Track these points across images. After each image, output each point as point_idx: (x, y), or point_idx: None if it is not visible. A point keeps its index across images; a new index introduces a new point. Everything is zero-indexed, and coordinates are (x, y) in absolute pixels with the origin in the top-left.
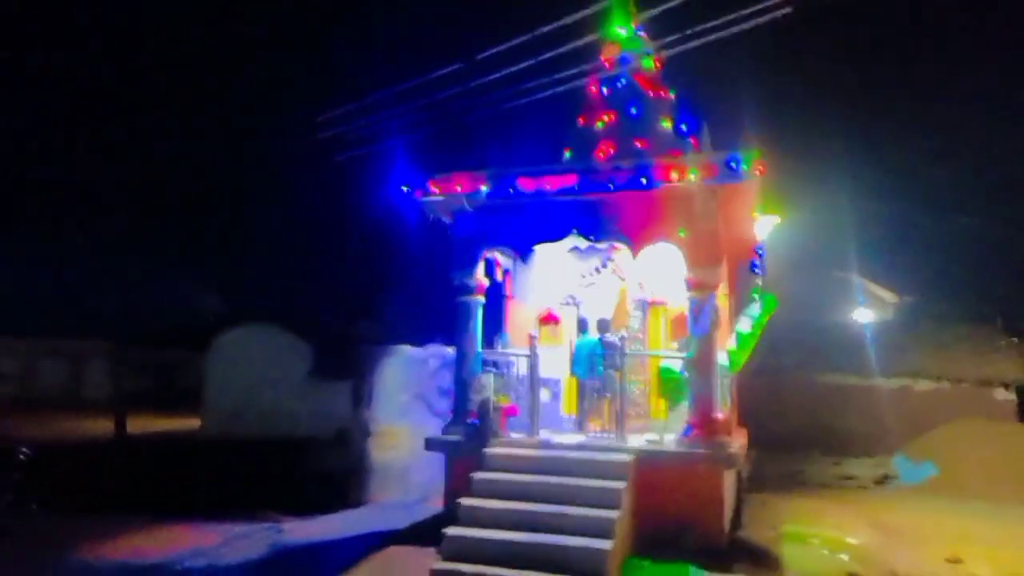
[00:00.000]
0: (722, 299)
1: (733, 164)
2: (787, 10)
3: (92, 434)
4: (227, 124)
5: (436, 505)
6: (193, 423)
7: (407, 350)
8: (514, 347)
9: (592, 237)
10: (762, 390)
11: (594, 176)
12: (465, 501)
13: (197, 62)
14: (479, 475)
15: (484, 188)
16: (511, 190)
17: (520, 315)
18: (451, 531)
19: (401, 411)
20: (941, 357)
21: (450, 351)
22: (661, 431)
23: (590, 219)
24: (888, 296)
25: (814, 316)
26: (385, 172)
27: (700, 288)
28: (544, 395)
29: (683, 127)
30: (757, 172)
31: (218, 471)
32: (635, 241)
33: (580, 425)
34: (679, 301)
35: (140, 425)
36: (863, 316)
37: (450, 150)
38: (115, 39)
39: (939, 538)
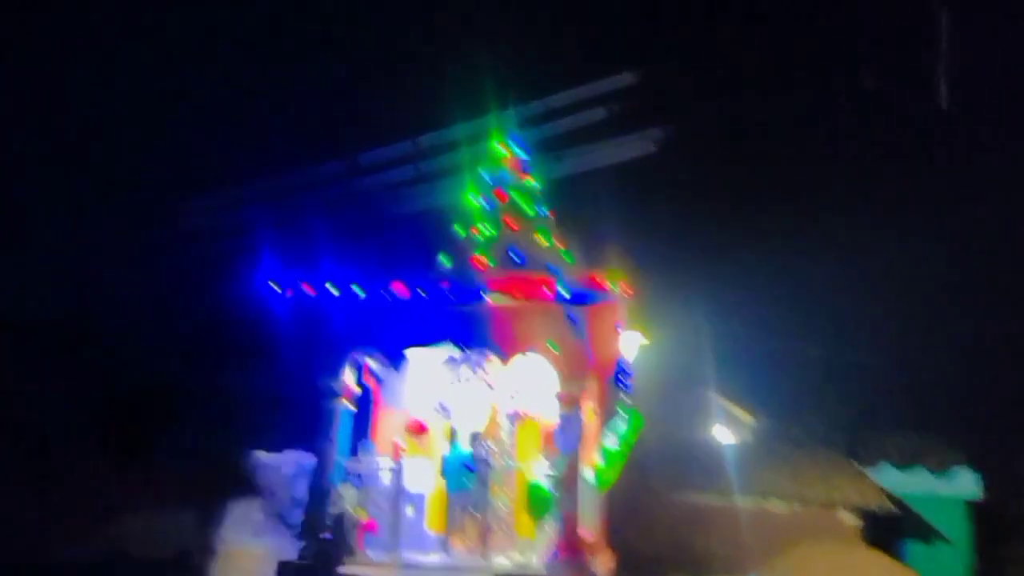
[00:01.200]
0: (590, 415)
1: (601, 282)
2: (650, 150)
3: None
4: (65, 197)
5: None
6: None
7: (261, 456)
8: (379, 457)
9: (464, 344)
10: (627, 509)
11: (467, 286)
12: None
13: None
14: None
15: (357, 290)
16: (384, 293)
17: (388, 424)
18: None
19: (252, 528)
20: (793, 479)
21: (307, 459)
22: (528, 550)
23: (462, 326)
24: (744, 417)
25: (676, 434)
26: (246, 263)
27: (569, 402)
28: (408, 510)
29: (555, 244)
30: (623, 292)
31: None
32: (506, 350)
33: (444, 543)
34: (548, 415)
35: None
36: (721, 435)
37: (322, 248)
38: None
39: None
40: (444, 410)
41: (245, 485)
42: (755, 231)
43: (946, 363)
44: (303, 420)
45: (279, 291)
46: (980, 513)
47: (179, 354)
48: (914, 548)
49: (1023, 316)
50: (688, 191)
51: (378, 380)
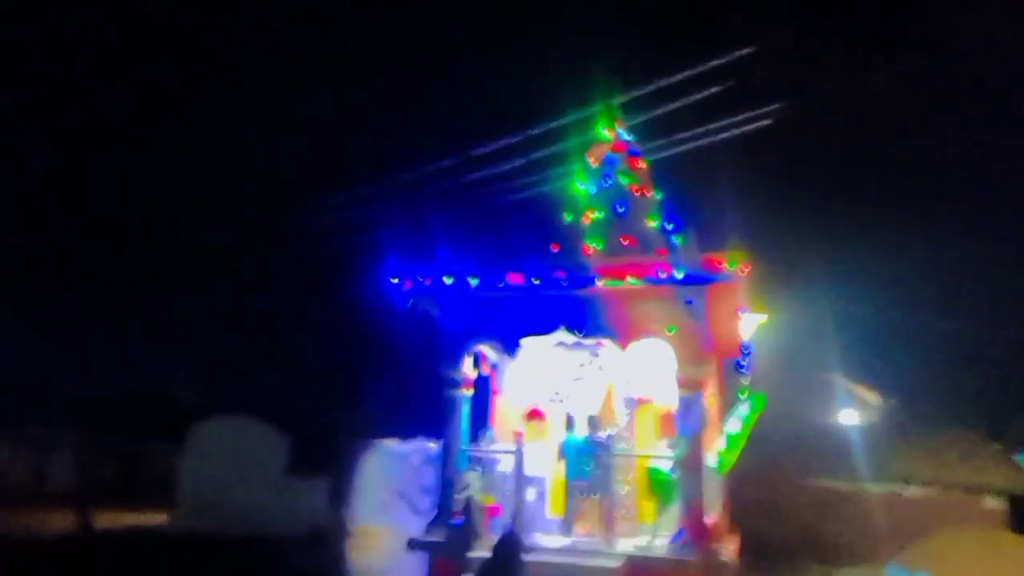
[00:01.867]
0: (710, 399)
1: (721, 264)
2: (767, 122)
3: (55, 529)
4: (201, 202)
5: None
6: (160, 517)
7: (389, 445)
8: (499, 443)
9: (580, 332)
10: (750, 494)
11: (583, 273)
12: None
13: (170, 134)
14: None
15: (474, 281)
16: (500, 284)
17: (505, 411)
18: None
19: (381, 509)
20: (930, 462)
21: (434, 446)
22: (651, 534)
23: (578, 314)
24: (872, 398)
25: (800, 417)
26: (370, 259)
27: (689, 386)
28: (529, 494)
29: (668, 226)
30: (743, 272)
31: (188, 570)
32: (622, 336)
33: (567, 526)
34: (667, 399)
35: (105, 519)
36: (848, 418)
37: (437, 241)
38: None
39: None
40: (560, 396)
41: (374, 469)
42: (879, 206)
43: None
44: (427, 409)
45: (400, 285)
46: None
47: (312, 349)
48: None
49: None
50: (807, 167)
51: (494, 368)
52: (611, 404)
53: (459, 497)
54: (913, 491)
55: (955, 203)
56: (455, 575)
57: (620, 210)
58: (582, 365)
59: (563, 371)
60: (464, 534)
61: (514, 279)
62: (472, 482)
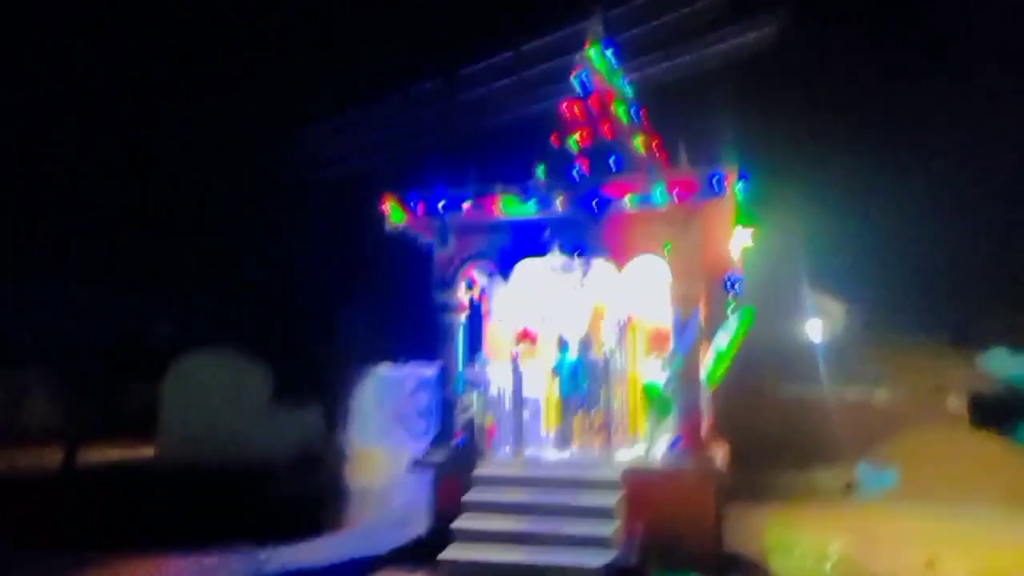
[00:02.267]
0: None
1: (715, 180)
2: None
3: (40, 466)
4: (177, 136)
5: (418, 528)
6: (147, 452)
7: (383, 370)
8: (492, 366)
9: (576, 253)
10: (730, 404)
11: (577, 194)
12: (459, 522)
13: (152, 72)
14: (470, 495)
15: (466, 206)
16: (493, 208)
17: (497, 334)
18: (447, 554)
19: (378, 433)
20: (896, 367)
21: (428, 371)
22: (647, 446)
23: (573, 236)
24: (838, 309)
25: (773, 330)
26: (359, 187)
27: (683, 302)
28: (524, 413)
29: (654, 146)
30: (737, 188)
31: (180, 501)
32: (619, 256)
33: (563, 442)
34: (656, 317)
35: (91, 455)
36: (814, 329)
37: (423, 169)
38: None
39: (913, 541)
40: (552, 317)
41: (369, 394)
42: (853, 123)
43: None
44: (419, 336)
45: (392, 211)
46: None
47: (307, 278)
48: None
49: None
50: (790, 85)
51: (484, 292)
52: (598, 323)
53: (460, 417)
54: (881, 394)
55: (937, 120)
56: (458, 492)
57: (606, 131)
58: (574, 286)
59: (553, 293)
60: (467, 453)
61: (508, 203)
62: (474, 404)
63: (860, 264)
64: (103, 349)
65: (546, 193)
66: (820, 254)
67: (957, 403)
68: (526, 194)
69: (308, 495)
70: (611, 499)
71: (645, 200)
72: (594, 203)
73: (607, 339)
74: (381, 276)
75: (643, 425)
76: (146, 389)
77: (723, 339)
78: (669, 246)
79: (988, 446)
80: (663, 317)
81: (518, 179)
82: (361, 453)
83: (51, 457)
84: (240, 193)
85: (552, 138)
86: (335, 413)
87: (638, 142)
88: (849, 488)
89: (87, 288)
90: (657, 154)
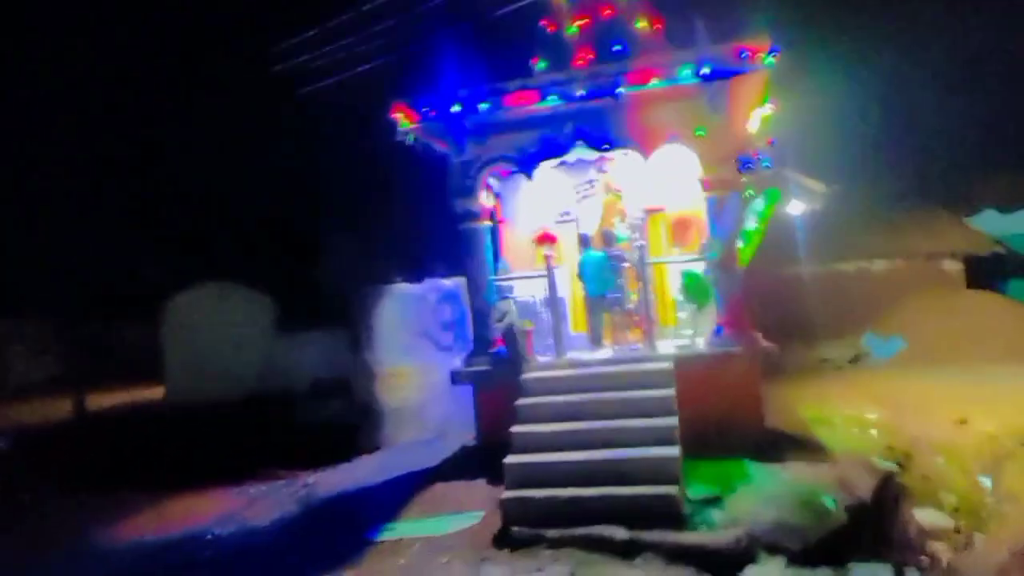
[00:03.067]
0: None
1: (744, 55)
2: None
3: (52, 416)
4: (158, 57)
5: (459, 440)
6: (152, 393)
7: (403, 288)
8: (514, 272)
9: (603, 146)
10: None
11: (599, 80)
12: (516, 428)
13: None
14: (523, 401)
15: (483, 106)
16: (512, 106)
17: (515, 239)
18: (511, 460)
19: (405, 350)
20: (892, 236)
21: (448, 284)
22: (692, 334)
23: (596, 127)
24: (817, 186)
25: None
26: (362, 97)
27: (718, 187)
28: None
29: (656, 27)
30: (771, 61)
31: (206, 437)
32: (646, 145)
33: (595, 342)
34: (678, 206)
35: (97, 401)
36: (795, 208)
37: (420, 74)
38: None
39: (937, 404)
40: (569, 217)
41: (390, 312)
42: None
43: None
44: (437, 249)
45: (403, 120)
46: None
47: (310, 200)
48: (1019, 282)
49: None
50: None
51: (498, 197)
52: (610, 218)
53: (498, 325)
54: (879, 265)
55: None
56: (504, 400)
57: (607, 14)
58: (589, 183)
59: (568, 191)
60: (511, 360)
61: (527, 98)
62: (511, 309)
63: (842, 138)
64: (90, 292)
65: (567, 84)
66: (795, 134)
67: (953, 266)
68: (546, 88)
69: (339, 419)
70: (667, 391)
71: (673, 81)
72: (620, 89)
73: (631, 231)
74: (389, 193)
75: (673, 317)
76: (141, 330)
77: (751, 221)
78: (702, 130)
79: (986, 305)
80: (685, 205)
81: (518, 73)
82: (390, 372)
83: (56, 407)
84: (228, 114)
85: (548, 26)
86: (358, 335)
87: (639, 25)
88: (858, 359)
89: (70, 230)
90: (656, 37)
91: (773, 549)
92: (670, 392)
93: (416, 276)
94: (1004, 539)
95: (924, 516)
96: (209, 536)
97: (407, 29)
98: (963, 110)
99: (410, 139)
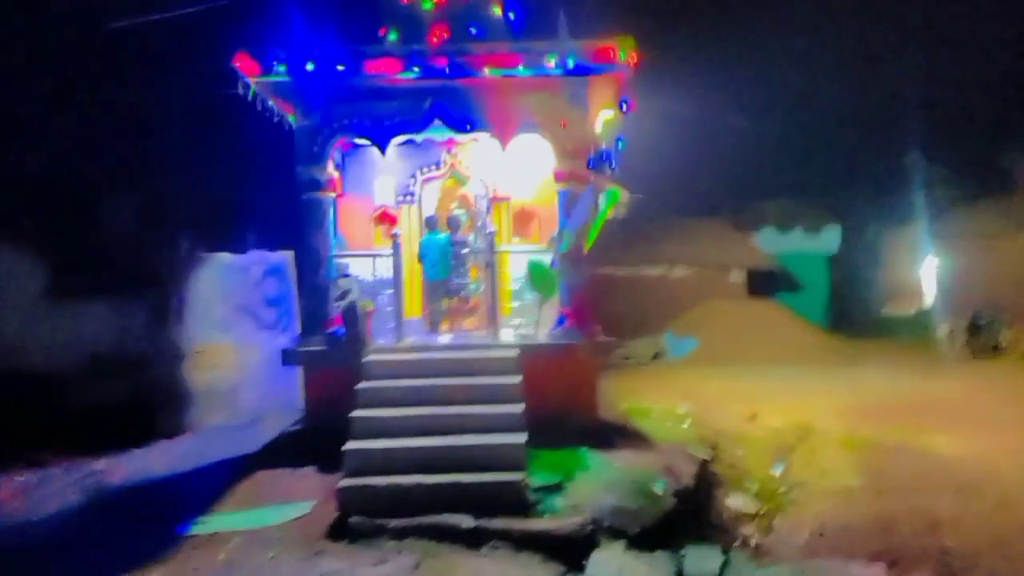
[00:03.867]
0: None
1: (612, 53)
2: None
3: None
4: None
5: (277, 425)
6: None
7: (222, 258)
8: (351, 250)
9: (464, 127)
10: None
11: (465, 58)
12: (357, 413)
13: None
14: (364, 384)
15: (340, 68)
16: (372, 72)
17: (353, 215)
18: (351, 445)
19: (221, 326)
20: (687, 245)
21: (275, 257)
22: (535, 324)
23: (456, 108)
24: (623, 193)
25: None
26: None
27: (571, 180)
28: (385, 299)
29: (511, 15)
30: (632, 62)
31: None
32: (505, 132)
33: (434, 326)
34: (522, 196)
35: None
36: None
37: (245, 28)
38: None
39: (731, 400)
40: (412, 196)
41: (207, 283)
42: None
43: (818, 134)
44: (270, 218)
45: (245, 72)
46: (836, 264)
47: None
48: (787, 295)
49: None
50: None
51: (339, 169)
52: (446, 203)
53: (339, 304)
54: (679, 271)
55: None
56: (341, 383)
57: None
58: (436, 163)
59: (412, 171)
60: (350, 341)
61: (389, 66)
62: (353, 288)
63: (639, 152)
64: None
65: (433, 57)
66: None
67: (738, 276)
68: (410, 58)
69: (134, 399)
70: (514, 378)
71: (538, 70)
72: (485, 69)
73: (476, 218)
74: (203, 152)
75: (508, 306)
76: None
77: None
78: (557, 119)
79: (766, 312)
80: (528, 196)
81: (362, 41)
82: (202, 349)
83: None
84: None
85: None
86: (161, 306)
87: (495, 10)
88: (658, 356)
89: None
90: (510, 25)
91: (614, 533)
92: (516, 379)
93: (235, 246)
94: (803, 521)
95: (734, 501)
96: None
97: None
98: (759, 135)
99: (251, 94)
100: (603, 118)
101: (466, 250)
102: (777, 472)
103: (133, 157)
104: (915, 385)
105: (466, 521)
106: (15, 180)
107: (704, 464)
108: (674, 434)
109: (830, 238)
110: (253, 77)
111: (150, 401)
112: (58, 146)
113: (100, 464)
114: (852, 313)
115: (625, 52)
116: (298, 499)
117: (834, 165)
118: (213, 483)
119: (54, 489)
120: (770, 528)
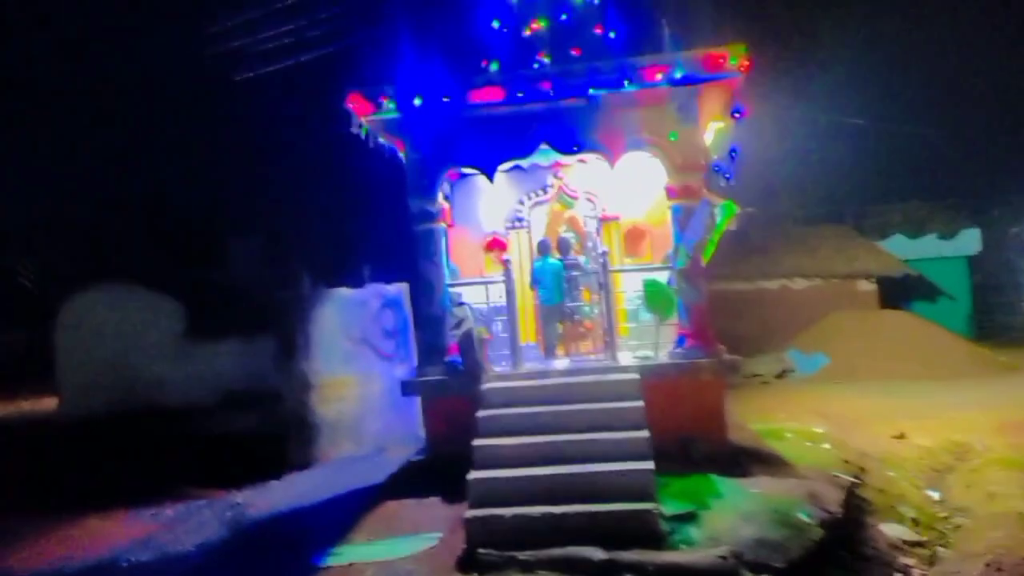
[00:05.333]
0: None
1: (722, 60)
2: None
3: None
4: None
5: (400, 455)
6: (45, 404)
7: (340, 292)
8: (463, 278)
9: (571, 149)
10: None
11: (570, 80)
12: (478, 442)
13: None
14: (484, 412)
15: (446, 100)
16: (478, 102)
17: (463, 244)
18: (474, 475)
19: (344, 359)
20: (809, 257)
21: (391, 289)
22: (654, 345)
23: (563, 129)
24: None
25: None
26: (307, 86)
27: (685, 195)
28: (497, 325)
29: (611, 35)
30: (743, 69)
31: (108, 453)
32: (614, 150)
33: (549, 352)
34: (632, 215)
35: None
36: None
37: (383, 62)
38: None
39: (871, 419)
40: (522, 222)
41: (328, 319)
42: None
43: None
44: (377, 254)
45: (357, 112)
46: (977, 266)
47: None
48: (924, 304)
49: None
50: None
51: (447, 199)
52: (555, 227)
53: (455, 333)
54: (800, 284)
55: None
56: (460, 412)
57: (564, 18)
58: (543, 187)
59: (520, 197)
60: (468, 370)
61: (491, 94)
62: (469, 316)
63: (767, 159)
64: None
65: (536, 81)
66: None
67: (868, 286)
68: (514, 84)
69: (268, 432)
70: (636, 402)
71: (645, 85)
72: (592, 90)
73: (586, 239)
74: (325, 193)
75: (625, 327)
76: (19, 336)
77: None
78: (675, 135)
79: (901, 324)
80: (638, 215)
81: (471, 74)
82: (327, 382)
83: None
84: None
85: (500, 28)
86: (287, 342)
87: (595, 31)
88: (784, 374)
89: None
90: (609, 44)
91: (757, 567)
92: (639, 404)
93: (352, 280)
94: (974, 552)
95: (890, 530)
96: (125, 564)
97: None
98: (879, 140)
99: (363, 132)
100: (714, 128)
101: (578, 272)
102: (935, 496)
103: (256, 201)
104: None
105: (597, 554)
106: (152, 229)
107: (851, 489)
108: (813, 457)
109: (967, 241)
110: (365, 116)
111: (282, 434)
112: (188, 194)
113: (239, 496)
114: (999, 320)
115: (736, 58)
116: (425, 530)
117: (967, 165)
118: (344, 513)
119: (199, 522)
120: (934, 559)
